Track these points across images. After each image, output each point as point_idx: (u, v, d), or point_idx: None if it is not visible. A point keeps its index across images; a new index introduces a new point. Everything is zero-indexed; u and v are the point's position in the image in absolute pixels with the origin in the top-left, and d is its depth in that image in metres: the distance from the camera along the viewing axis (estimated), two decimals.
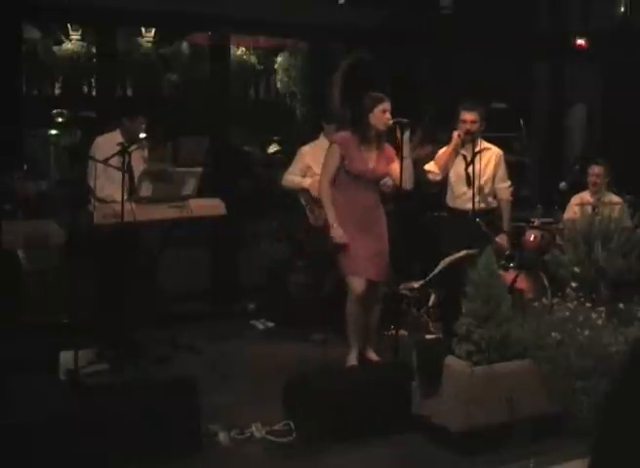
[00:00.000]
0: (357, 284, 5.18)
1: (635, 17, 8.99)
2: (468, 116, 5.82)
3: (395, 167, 5.26)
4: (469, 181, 5.84)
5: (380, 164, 5.27)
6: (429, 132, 6.33)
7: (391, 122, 5.16)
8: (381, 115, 5.16)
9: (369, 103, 5.20)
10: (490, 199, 6.02)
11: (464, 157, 5.92)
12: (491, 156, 5.96)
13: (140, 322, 5.52)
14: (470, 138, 5.85)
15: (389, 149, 5.32)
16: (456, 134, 5.72)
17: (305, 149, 6.49)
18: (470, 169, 5.85)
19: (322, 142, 6.33)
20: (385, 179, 5.48)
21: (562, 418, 4.19)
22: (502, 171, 6.03)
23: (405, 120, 5.15)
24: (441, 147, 6.02)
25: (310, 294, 6.54)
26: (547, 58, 9.35)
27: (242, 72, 8.65)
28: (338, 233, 5.16)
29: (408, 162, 5.18)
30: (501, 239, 6.04)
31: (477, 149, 5.85)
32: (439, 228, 6.15)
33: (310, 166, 6.35)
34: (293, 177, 6.46)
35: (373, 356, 5.41)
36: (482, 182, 5.87)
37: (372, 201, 5.30)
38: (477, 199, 5.77)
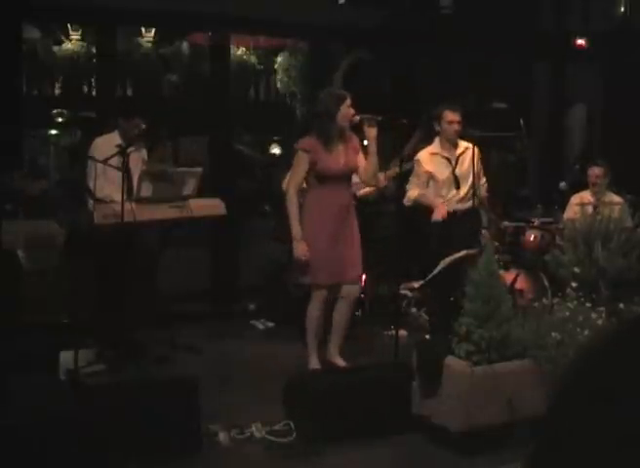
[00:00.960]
0: (321, 291, 5.16)
1: (635, 17, 8.99)
2: (455, 117, 5.83)
3: (360, 158, 5.21)
4: (458, 184, 5.90)
5: (349, 156, 5.17)
6: (429, 131, 6.32)
7: (357, 118, 5.07)
8: (347, 111, 5.07)
9: (333, 101, 5.09)
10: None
11: (448, 160, 5.93)
12: (470, 154, 5.97)
13: (140, 322, 5.52)
14: (454, 139, 5.90)
15: (354, 139, 5.22)
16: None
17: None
18: (458, 171, 5.90)
19: None
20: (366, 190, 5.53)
21: None
22: (479, 166, 6.04)
23: (369, 116, 5.07)
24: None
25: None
26: (547, 58, 9.35)
27: (242, 72, 8.65)
28: (301, 249, 5.01)
29: (374, 159, 5.15)
30: (485, 235, 6.09)
31: (460, 151, 5.90)
32: (431, 231, 6.13)
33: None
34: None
35: (339, 361, 5.31)
36: (469, 182, 5.91)
37: (346, 199, 5.20)
38: (469, 199, 5.85)
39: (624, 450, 0.80)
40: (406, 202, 5.99)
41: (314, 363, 5.21)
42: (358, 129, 5.18)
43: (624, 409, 0.82)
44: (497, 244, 6.22)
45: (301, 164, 5.11)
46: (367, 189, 6.04)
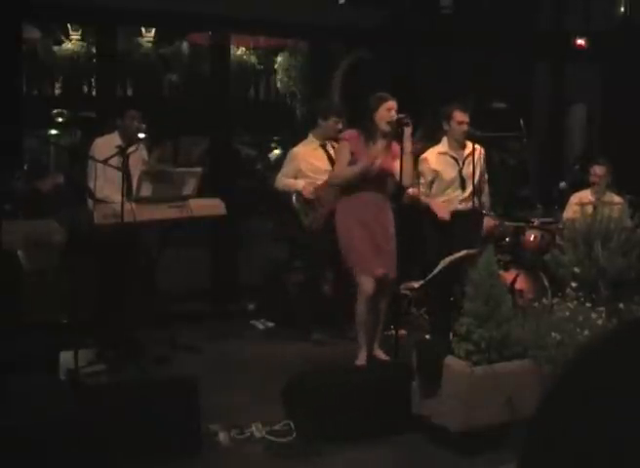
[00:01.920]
0: (367, 283, 5.19)
1: (635, 17, 8.99)
2: (465, 117, 5.84)
3: (396, 164, 5.28)
4: (464, 184, 5.90)
5: (386, 161, 5.29)
6: (430, 131, 6.32)
7: (394, 119, 5.19)
8: (386, 114, 5.21)
9: (374, 102, 5.27)
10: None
11: (456, 160, 5.93)
12: (477, 155, 5.98)
13: (140, 322, 5.52)
14: (463, 139, 5.90)
15: (395, 147, 5.32)
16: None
17: (296, 150, 6.32)
18: (465, 171, 5.90)
19: (310, 142, 6.28)
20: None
21: None
22: (483, 168, 6.06)
23: (403, 116, 5.17)
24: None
25: (310, 294, 6.54)
26: (547, 58, 9.34)
27: (242, 72, 8.65)
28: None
29: (407, 158, 5.20)
30: (489, 221, 6.11)
31: (468, 151, 5.90)
32: (430, 230, 6.13)
33: (300, 168, 6.22)
34: (286, 180, 6.27)
35: (381, 354, 5.40)
36: (476, 182, 5.91)
37: (379, 198, 5.33)
38: (471, 199, 5.86)
39: (622, 450, 0.80)
40: (405, 199, 6.00)
41: (362, 359, 5.25)
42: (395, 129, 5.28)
43: (623, 409, 0.82)
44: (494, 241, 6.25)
45: (344, 153, 5.31)
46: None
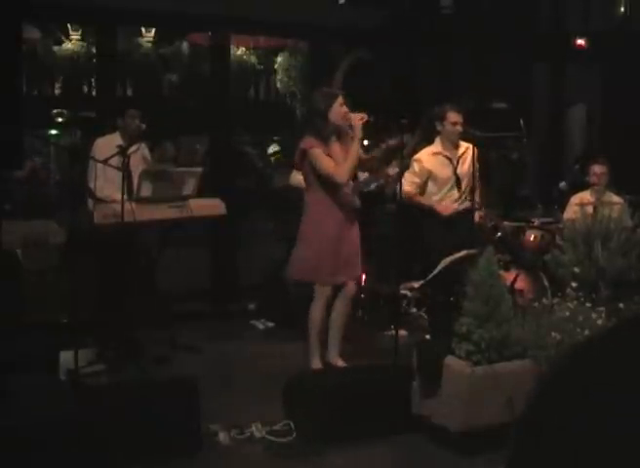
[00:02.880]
0: (325, 290, 5.17)
1: (635, 17, 8.99)
2: (458, 118, 5.85)
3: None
4: (459, 183, 5.92)
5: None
6: (428, 132, 6.33)
7: (351, 116, 5.00)
8: (340, 109, 5.02)
9: (326, 100, 5.05)
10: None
11: (450, 160, 5.97)
12: (471, 155, 6.02)
13: (140, 322, 5.52)
14: (456, 139, 5.93)
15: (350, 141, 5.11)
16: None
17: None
18: (459, 170, 5.93)
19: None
20: (365, 179, 5.46)
21: None
22: (477, 167, 6.08)
23: (361, 114, 4.99)
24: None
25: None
26: (547, 59, 9.35)
27: (242, 72, 8.65)
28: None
29: (354, 156, 5.03)
30: (477, 215, 6.12)
31: (462, 151, 5.94)
32: (430, 230, 6.14)
33: None
34: (299, 176, 6.34)
35: (338, 362, 5.29)
36: (470, 181, 5.95)
37: (348, 198, 5.18)
38: (466, 199, 5.88)
39: (623, 446, 0.80)
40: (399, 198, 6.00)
41: (316, 363, 5.21)
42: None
43: (623, 405, 0.82)
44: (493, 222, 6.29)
45: (323, 157, 5.01)
46: (365, 176, 5.85)
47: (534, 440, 0.87)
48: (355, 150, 5.02)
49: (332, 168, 5.02)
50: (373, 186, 6.08)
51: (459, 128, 5.88)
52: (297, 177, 6.34)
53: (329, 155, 5.07)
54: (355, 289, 5.35)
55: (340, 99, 5.04)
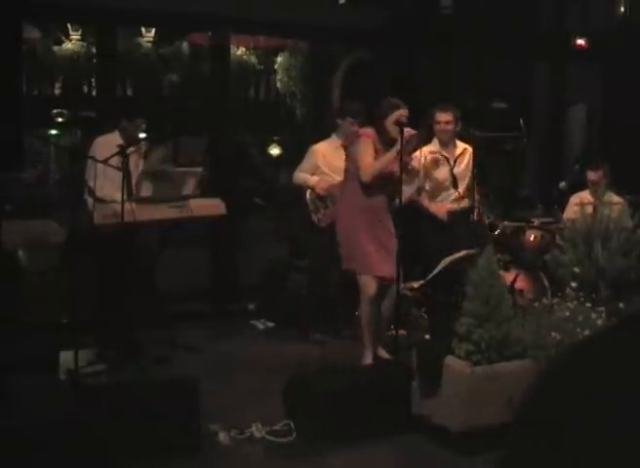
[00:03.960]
0: (370, 284, 5.20)
1: (635, 17, 8.99)
2: (443, 117, 5.94)
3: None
4: (456, 183, 5.97)
5: (395, 165, 5.26)
6: (427, 132, 6.33)
7: (408, 129, 5.16)
8: (394, 120, 5.19)
9: (386, 109, 5.24)
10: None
11: (447, 159, 6.02)
12: (468, 155, 6.09)
13: (140, 322, 5.52)
14: (447, 139, 5.98)
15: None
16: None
17: (316, 147, 6.33)
18: (456, 171, 5.98)
19: (333, 141, 6.28)
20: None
21: None
22: (472, 167, 6.13)
23: (411, 129, 5.18)
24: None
25: (310, 294, 6.54)
26: (547, 59, 9.35)
27: (242, 72, 8.65)
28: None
29: (385, 161, 5.22)
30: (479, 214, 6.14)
31: (459, 151, 6.00)
32: (429, 231, 6.15)
33: (318, 165, 6.25)
34: (303, 175, 6.31)
35: (384, 354, 5.42)
36: (466, 182, 6.00)
37: (382, 200, 5.34)
38: (464, 198, 5.90)
39: (623, 446, 0.80)
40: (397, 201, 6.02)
41: (368, 358, 5.25)
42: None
43: (623, 405, 0.82)
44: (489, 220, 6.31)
45: (369, 148, 5.20)
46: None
47: (530, 439, 0.87)
48: (389, 157, 5.17)
49: (366, 163, 5.19)
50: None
51: (448, 126, 5.98)
52: (300, 176, 6.35)
53: (376, 152, 5.20)
54: (392, 279, 5.37)
55: (400, 112, 5.20)
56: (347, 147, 5.55)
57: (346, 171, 5.42)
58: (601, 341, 0.91)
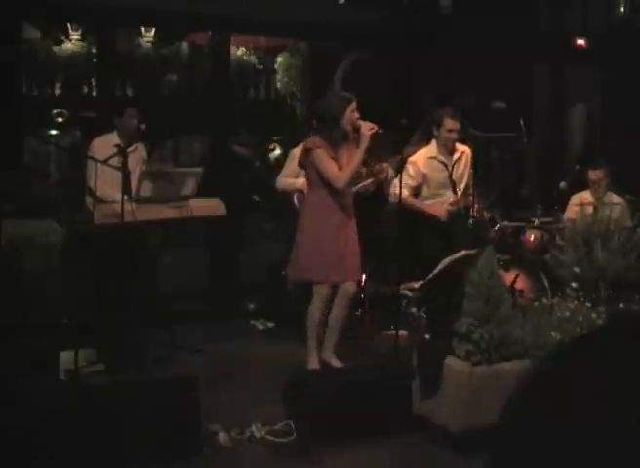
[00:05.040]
0: (323, 289, 5.19)
1: (635, 17, 8.99)
2: (455, 125, 5.88)
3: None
4: (454, 188, 5.97)
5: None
6: (427, 134, 6.33)
7: (359, 123, 5.03)
8: (352, 115, 5.06)
9: (340, 105, 5.07)
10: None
11: (445, 165, 6.00)
12: (466, 158, 6.08)
13: (140, 322, 5.52)
14: (450, 145, 5.96)
15: (354, 147, 5.16)
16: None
17: (296, 151, 6.20)
18: (454, 176, 5.98)
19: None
20: (366, 183, 5.46)
21: None
22: (470, 169, 6.13)
23: (371, 124, 5.03)
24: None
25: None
26: (547, 59, 9.34)
27: (242, 72, 8.64)
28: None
29: (356, 163, 5.10)
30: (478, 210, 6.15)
31: (457, 155, 5.98)
32: (429, 232, 6.16)
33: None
34: (286, 180, 6.29)
35: (334, 361, 5.33)
36: (463, 185, 6.01)
37: (347, 200, 5.22)
38: (461, 200, 5.93)
39: (614, 449, 0.80)
40: (392, 200, 6.00)
41: (314, 363, 5.22)
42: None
43: (613, 407, 0.82)
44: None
45: (326, 158, 5.05)
46: (365, 183, 5.89)
47: (514, 443, 0.87)
48: (358, 158, 5.05)
49: (333, 171, 5.06)
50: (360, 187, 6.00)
51: (454, 135, 5.92)
52: (282, 181, 6.33)
53: (334, 158, 5.09)
54: (354, 289, 5.36)
55: (353, 105, 5.06)
56: (299, 162, 5.33)
57: (308, 181, 5.29)
58: (584, 344, 0.92)
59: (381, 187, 6.29)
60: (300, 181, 6.20)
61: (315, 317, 5.22)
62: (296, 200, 6.31)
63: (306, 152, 5.15)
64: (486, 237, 6.22)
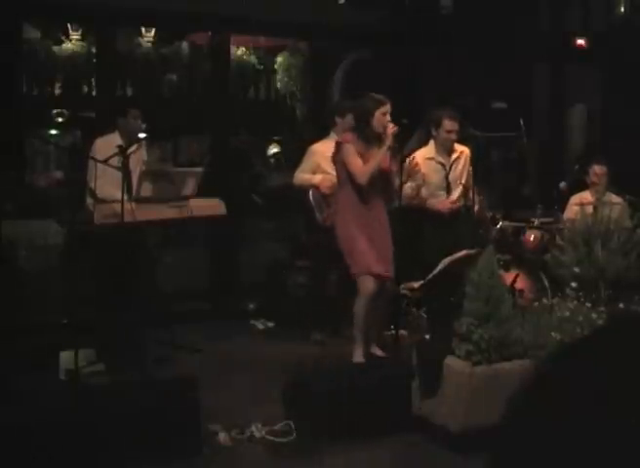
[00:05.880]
0: (368, 283, 5.21)
1: (635, 17, 8.99)
2: (454, 126, 5.89)
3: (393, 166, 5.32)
4: (449, 189, 5.99)
5: (384, 163, 5.28)
6: (426, 134, 6.33)
7: (392, 128, 5.14)
8: (382, 118, 5.18)
9: (371, 106, 5.22)
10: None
11: (443, 165, 6.00)
12: (465, 158, 6.08)
13: (140, 322, 5.52)
14: (449, 146, 5.96)
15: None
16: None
17: (316, 147, 6.31)
18: (451, 176, 6.00)
19: (331, 140, 6.27)
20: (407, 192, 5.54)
21: None
22: (470, 169, 6.13)
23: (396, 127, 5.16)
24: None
25: (310, 294, 6.54)
26: (547, 59, 9.35)
27: (242, 72, 8.65)
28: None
29: (376, 162, 5.23)
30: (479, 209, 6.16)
31: (455, 156, 5.98)
32: (430, 230, 6.17)
33: (320, 164, 6.23)
34: (304, 175, 6.29)
35: (378, 351, 5.47)
36: (464, 183, 6.02)
37: (379, 200, 5.34)
38: (459, 201, 5.93)
39: (616, 452, 0.80)
40: (396, 202, 6.02)
41: (359, 357, 5.26)
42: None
43: (607, 411, 0.82)
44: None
45: (354, 154, 5.20)
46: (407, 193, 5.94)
47: (514, 443, 0.87)
48: (380, 156, 5.18)
49: (357, 166, 5.20)
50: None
51: (452, 136, 5.92)
52: (300, 176, 6.34)
53: (363, 156, 5.20)
54: (391, 286, 5.40)
55: (385, 108, 5.20)
56: (332, 156, 5.49)
57: (338, 177, 5.45)
58: (585, 346, 0.92)
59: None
60: (318, 177, 6.22)
61: (361, 311, 5.28)
62: (311, 196, 6.29)
63: (338, 146, 5.33)
64: (487, 237, 6.23)
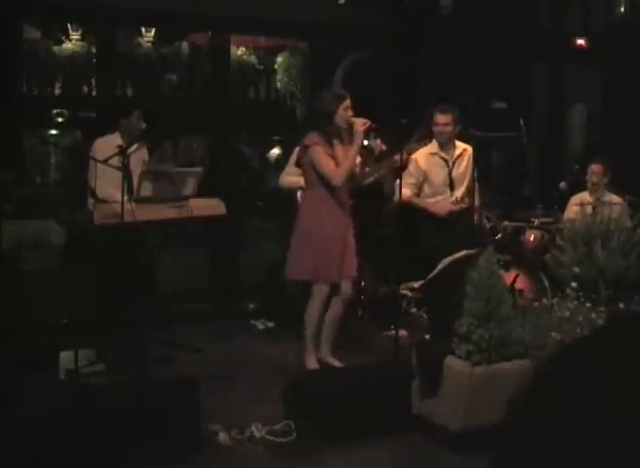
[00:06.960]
0: (323, 288, 5.19)
1: (635, 17, 8.99)
2: (442, 119, 5.89)
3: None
4: (453, 186, 5.96)
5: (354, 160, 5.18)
6: (426, 133, 6.33)
7: (353, 120, 5.05)
8: (345, 113, 5.08)
9: (333, 102, 5.10)
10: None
11: (446, 161, 6.00)
12: (468, 156, 6.07)
13: (140, 322, 5.52)
14: (446, 140, 5.95)
15: (349, 144, 5.17)
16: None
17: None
18: (454, 173, 5.97)
19: None
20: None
21: None
22: (473, 167, 6.12)
23: (364, 120, 5.06)
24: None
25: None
26: (547, 58, 9.35)
27: (242, 72, 8.65)
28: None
29: (351, 161, 5.14)
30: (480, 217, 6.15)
31: (458, 152, 5.97)
32: (430, 231, 6.17)
33: None
34: (289, 178, 6.24)
35: (332, 360, 5.33)
36: (465, 184, 6.01)
37: (345, 197, 5.24)
38: (463, 201, 5.91)
39: (617, 452, 0.80)
40: (396, 200, 6.00)
41: (312, 363, 5.22)
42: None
43: (615, 409, 0.82)
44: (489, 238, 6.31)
45: (324, 155, 5.07)
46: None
47: (515, 443, 0.87)
48: (353, 155, 5.08)
49: (330, 168, 5.07)
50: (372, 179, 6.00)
51: (447, 128, 5.92)
52: (286, 179, 6.32)
53: (330, 155, 5.09)
54: (351, 288, 5.36)
55: (346, 103, 5.09)
56: (297, 160, 5.35)
57: (306, 180, 5.28)
58: (585, 346, 0.92)
59: (382, 186, 6.30)
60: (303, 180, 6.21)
61: (313, 317, 5.22)
62: (299, 198, 6.28)
63: (304, 149, 5.16)
64: (488, 237, 6.22)
